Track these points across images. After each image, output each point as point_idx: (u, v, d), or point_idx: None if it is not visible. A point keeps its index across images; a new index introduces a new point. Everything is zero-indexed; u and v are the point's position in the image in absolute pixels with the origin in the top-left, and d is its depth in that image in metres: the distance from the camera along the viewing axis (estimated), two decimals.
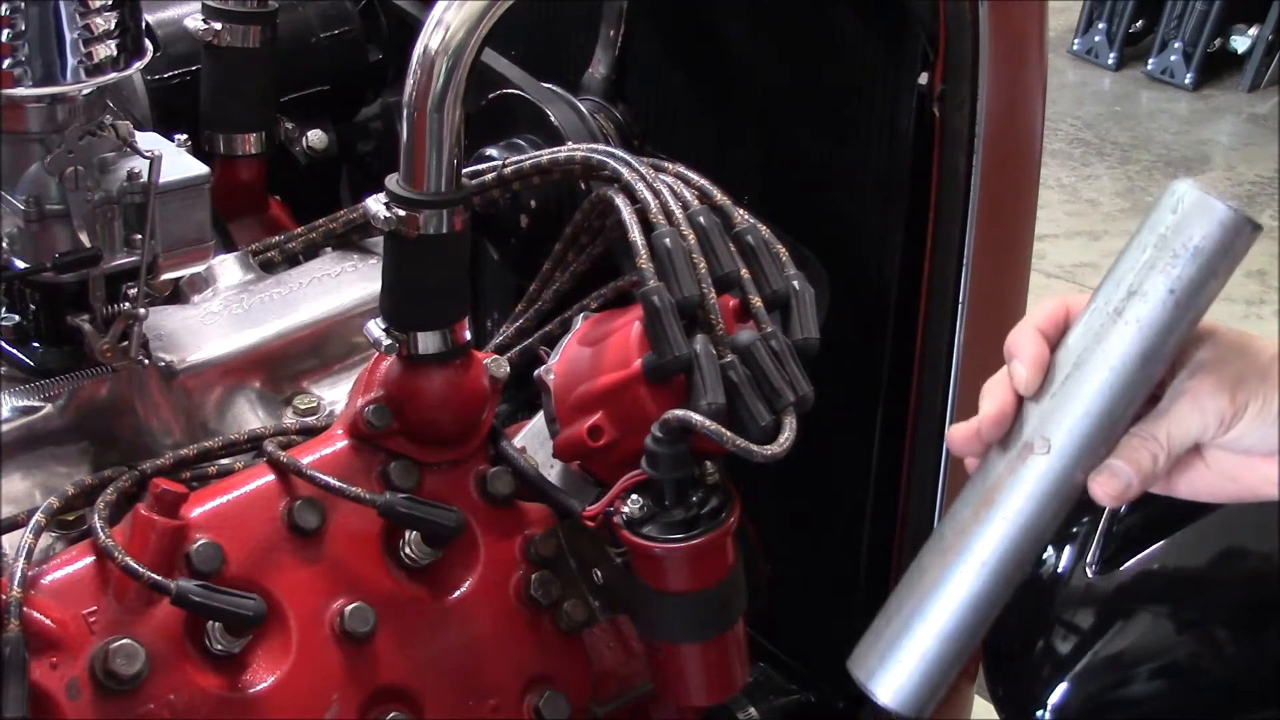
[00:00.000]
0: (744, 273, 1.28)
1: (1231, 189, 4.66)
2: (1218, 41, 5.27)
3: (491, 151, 1.50)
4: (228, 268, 1.48)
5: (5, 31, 1.20)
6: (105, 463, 1.31)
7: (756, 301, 1.27)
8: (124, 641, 1.14)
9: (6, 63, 1.21)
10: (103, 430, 1.35)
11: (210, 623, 1.17)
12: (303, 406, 1.38)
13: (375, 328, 1.25)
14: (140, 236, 1.28)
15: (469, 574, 1.28)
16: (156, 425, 1.36)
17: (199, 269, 1.41)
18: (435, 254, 1.22)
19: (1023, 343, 1.04)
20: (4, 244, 1.28)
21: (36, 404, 1.32)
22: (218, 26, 1.55)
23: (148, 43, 1.32)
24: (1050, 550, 1.33)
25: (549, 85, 1.55)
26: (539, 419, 1.36)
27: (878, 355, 1.55)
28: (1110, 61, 5.42)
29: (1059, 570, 1.32)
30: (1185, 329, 1.01)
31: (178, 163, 1.32)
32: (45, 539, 1.19)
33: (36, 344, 1.33)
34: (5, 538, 1.19)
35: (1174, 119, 5.14)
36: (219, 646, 1.18)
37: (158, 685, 1.15)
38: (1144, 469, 1.02)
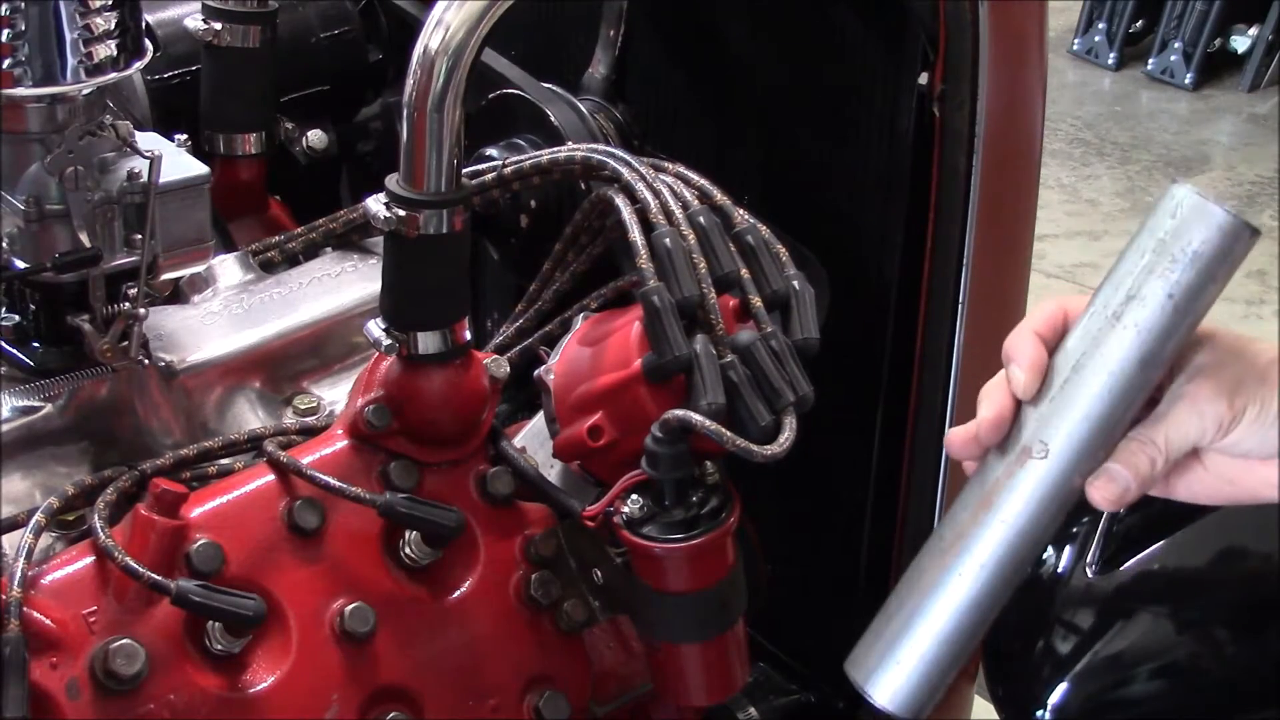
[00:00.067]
0: (744, 273, 1.28)
1: (1231, 189, 4.66)
2: (1218, 41, 5.27)
3: (491, 151, 1.50)
4: (228, 268, 1.48)
5: (5, 31, 1.20)
6: (105, 463, 1.31)
7: (756, 301, 1.27)
8: (124, 641, 1.14)
9: (6, 63, 1.21)
10: (103, 430, 1.35)
11: (210, 623, 1.17)
12: (303, 406, 1.38)
13: (375, 328, 1.25)
14: (140, 236, 1.28)
15: (469, 574, 1.28)
16: (156, 425, 1.36)
17: (199, 269, 1.41)
18: (435, 254, 1.22)
19: (1020, 346, 1.04)
20: (4, 244, 1.28)
21: (36, 404, 1.32)
22: (218, 26, 1.55)
23: (148, 43, 1.32)
24: (1050, 550, 1.33)
25: (549, 85, 1.55)
26: (539, 419, 1.36)
27: (878, 355, 1.55)
28: (1110, 61, 5.42)
29: (1059, 570, 1.32)
30: (1184, 334, 1.01)
31: (178, 163, 1.32)
32: (45, 539, 1.19)
33: (36, 344, 1.33)
34: (5, 538, 1.19)
35: (1174, 119, 5.14)
36: (219, 646, 1.18)
37: (158, 685, 1.15)
38: (1142, 473, 1.02)
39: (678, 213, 1.29)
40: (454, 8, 1.17)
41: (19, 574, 1.11)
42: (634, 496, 1.22)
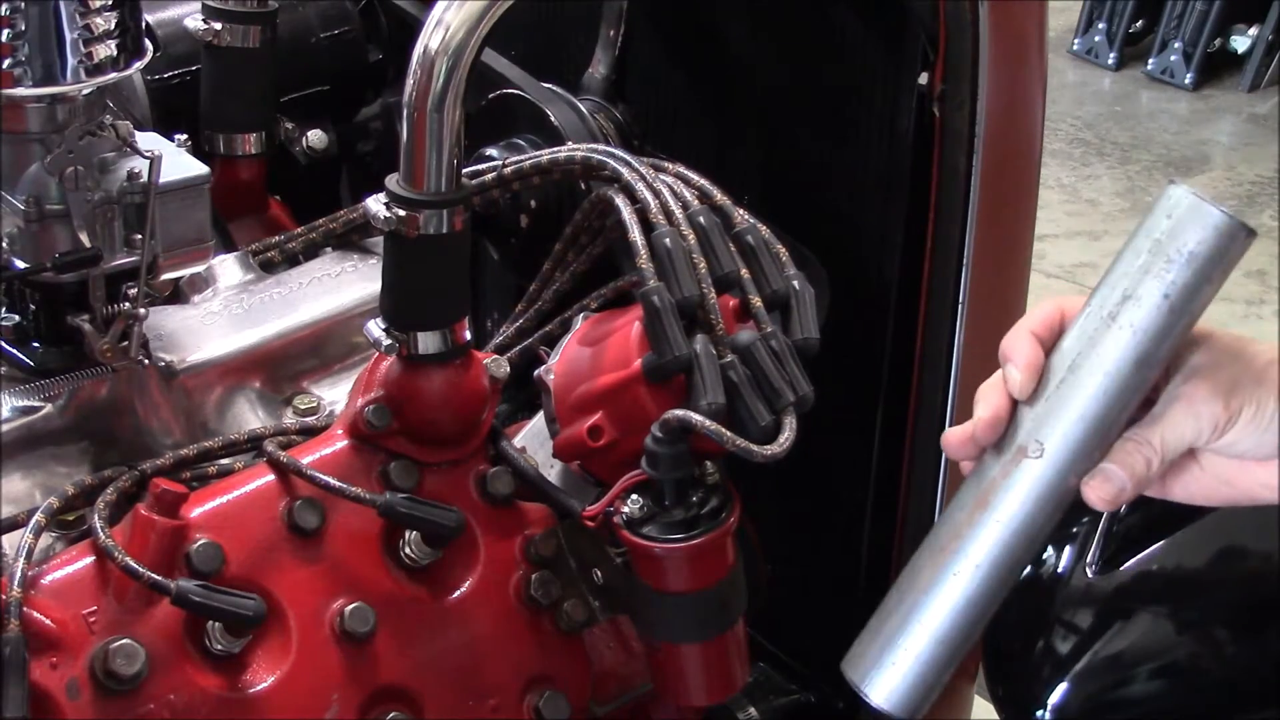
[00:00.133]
0: (744, 273, 1.28)
1: (1231, 189, 4.66)
2: (1218, 41, 5.27)
3: (491, 151, 1.50)
4: (228, 268, 1.48)
5: (5, 31, 1.20)
6: (105, 463, 1.31)
7: (756, 301, 1.27)
8: (124, 641, 1.14)
9: (6, 63, 1.21)
10: (103, 430, 1.35)
11: (210, 623, 1.17)
12: (303, 406, 1.38)
13: (375, 328, 1.25)
14: (140, 236, 1.28)
15: (469, 574, 1.28)
16: (156, 425, 1.36)
17: (199, 269, 1.41)
18: (435, 254, 1.22)
19: (1017, 346, 1.04)
20: (4, 244, 1.28)
21: (36, 404, 1.32)
22: (218, 26, 1.55)
23: (148, 43, 1.32)
24: (1050, 550, 1.33)
25: (549, 85, 1.55)
26: (539, 419, 1.36)
27: (878, 355, 1.55)
28: (1110, 61, 5.42)
29: (1059, 570, 1.32)
30: (1179, 334, 1.01)
31: (178, 163, 1.32)
32: (45, 539, 1.19)
33: (36, 344, 1.33)
34: (5, 538, 1.19)
35: (1174, 119, 5.14)
36: (219, 646, 1.18)
37: (158, 685, 1.15)
38: (1137, 473, 1.02)
39: (678, 213, 1.29)
40: (454, 8, 1.17)
41: (19, 574, 1.11)
42: (634, 496, 1.22)
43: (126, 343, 1.30)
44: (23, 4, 1.20)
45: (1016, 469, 1.03)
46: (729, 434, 1.19)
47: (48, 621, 1.13)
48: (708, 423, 1.18)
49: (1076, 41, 5.49)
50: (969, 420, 1.06)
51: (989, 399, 1.04)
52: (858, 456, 1.60)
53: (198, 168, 1.33)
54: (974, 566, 1.04)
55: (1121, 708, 1.27)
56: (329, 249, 1.53)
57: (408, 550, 1.25)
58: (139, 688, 1.14)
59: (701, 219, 1.29)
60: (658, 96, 1.67)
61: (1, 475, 1.25)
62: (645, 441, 1.21)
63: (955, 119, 1.42)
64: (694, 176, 1.35)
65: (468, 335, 1.27)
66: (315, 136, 1.68)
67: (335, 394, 1.40)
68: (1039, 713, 1.27)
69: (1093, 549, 1.32)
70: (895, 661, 1.06)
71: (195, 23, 1.56)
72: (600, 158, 1.36)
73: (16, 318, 1.34)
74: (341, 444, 1.27)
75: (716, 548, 1.24)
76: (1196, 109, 5.22)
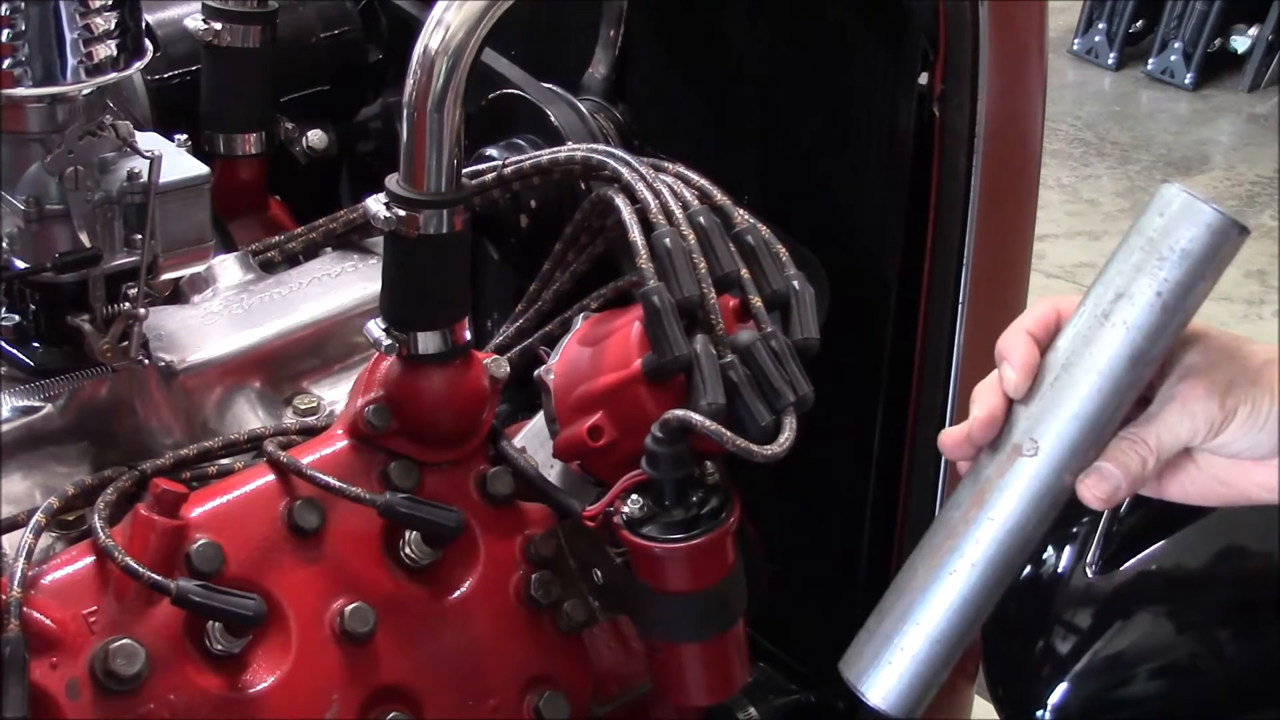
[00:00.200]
0: (744, 273, 1.28)
1: (1231, 189, 4.66)
2: (1218, 41, 5.27)
3: (491, 151, 1.50)
4: (228, 268, 1.48)
5: (5, 31, 1.20)
6: (105, 463, 1.31)
7: (756, 301, 1.27)
8: (124, 641, 1.14)
9: (6, 63, 1.21)
10: (103, 430, 1.35)
11: (210, 623, 1.17)
12: (303, 406, 1.38)
13: (375, 328, 1.25)
14: (140, 236, 1.28)
15: (469, 574, 1.28)
16: (156, 425, 1.36)
17: (199, 269, 1.41)
18: (435, 254, 1.22)
19: (1012, 346, 1.04)
20: (4, 244, 1.28)
21: (36, 404, 1.32)
22: (218, 26, 1.55)
23: (148, 43, 1.32)
24: (1050, 550, 1.33)
25: (549, 85, 1.55)
26: (539, 419, 1.36)
27: (878, 355, 1.55)
28: (1110, 61, 5.42)
29: (1059, 570, 1.32)
30: (1173, 332, 1.01)
31: (178, 163, 1.32)
32: (45, 539, 1.19)
33: (36, 344, 1.33)
34: (5, 538, 1.19)
35: (1174, 119, 5.14)
36: (219, 646, 1.18)
37: (158, 685, 1.15)
38: (1132, 472, 1.02)
39: (678, 213, 1.29)
40: (454, 8, 1.17)
41: (19, 574, 1.11)
42: (634, 496, 1.22)
43: (126, 343, 1.30)
44: (23, 4, 1.20)
45: (1012, 468, 1.03)
46: (729, 434, 1.19)
47: (48, 621, 1.13)
48: (708, 423, 1.18)
49: (1076, 41, 5.49)
50: (966, 420, 1.06)
51: (984, 399, 1.05)
52: (858, 456, 1.60)
53: (198, 168, 1.33)
54: (970, 565, 1.04)
55: (1121, 708, 1.27)
56: (329, 249, 1.53)
57: (408, 550, 1.25)
58: (139, 688, 1.14)
59: (701, 219, 1.29)
60: (658, 96, 1.67)
61: (1, 475, 1.25)
62: (645, 441, 1.21)
63: (955, 119, 1.42)
64: (694, 176, 1.35)
65: (468, 335, 1.27)
66: (315, 136, 1.68)
67: (335, 394, 1.40)
68: (1039, 713, 1.27)
69: (1093, 549, 1.32)
70: (892, 661, 1.06)
71: (195, 23, 1.56)
72: (600, 158, 1.36)
73: (16, 318, 1.33)
74: (341, 444, 1.27)
75: (716, 548, 1.24)
76: (1196, 109, 5.22)
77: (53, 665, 1.12)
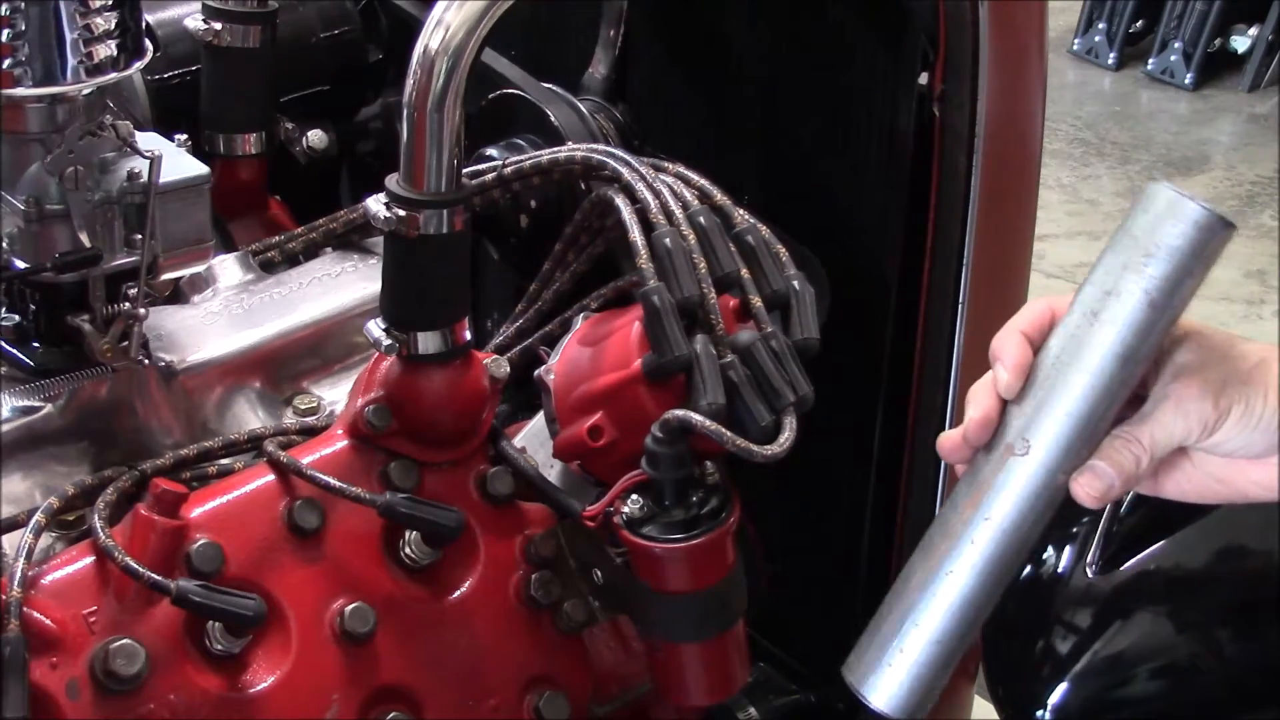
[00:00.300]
0: (744, 273, 1.28)
1: (1231, 189, 4.66)
2: (1218, 41, 5.27)
3: (491, 151, 1.50)
4: (228, 268, 1.48)
5: (5, 31, 1.20)
6: (105, 463, 1.31)
7: (756, 301, 1.27)
8: (124, 641, 1.14)
9: (6, 63, 1.21)
10: (103, 430, 1.35)
11: (210, 623, 1.17)
12: (303, 406, 1.38)
13: (375, 328, 1.25)
14: (140, 236, 1.28)
15: (469, 574, 1.28)
16: (156, 425, 1.36)
17: (199, 269, 1.41)
18: (435, 254, 1.22)
19: (1006, 346, 1.04)
20: (4, 244, 1.28)
21: (36, 404, 1.32)
22: (218, 26, 1.55)
23: (148, 43, 1.32)
24: (1050, 550, 1.33)
25: (549, 85, 1.55)
26: (539, 419, 1.36)
27: (878, 355, 1.55)
28: (1110, 61, 5.41)
29: (1059, 570, 1.33)
30: (1162, 329, 1.01)
31: (178, 163, 1.32)
32: (45, 539, 1.19)
33: (36, 344, 1.33)
34: (5, 538, 1.19)
35: (1174, 119, 5.14)
36: (219, 646, 1.18)
37: (158, 685, 1.15)
38: (1126, 470, 1.02)
39: (678, 213, 1.29)
40: (454, 8, 1.17)
41: (19, 574, 1.11)
42: (634, 496, 1.22)
43: (126, 343, 1.30)
44: (23, 4, 1.20)
45: (1006, 468, 1.04)
46: (729, 434, 1.19)
47: (48, 621, 1.13)
48: (708, 423, 1.18)
49: (1076, 41, 5.49)
50: (963, 423, 1.06)
51: (979, 400, 1.05)
52: (858, 456, 1.60)
53: (198, 168, 1.33)
54: (967, 566, 1.05)
55: (1121, 708, 1.27)
56: (329, 249, 1.53)
57: (408, 550, 1.25)
58: (139, 688, 1.14)
59: (702, 219, 1.29)
60: (658, 96, 1.67)
61: (1, 475, 1.25)
62: (645, 441, 1.21)
63: (955, 119, 1.42)
64: (694, 176, 1.35)
65: (468, 335, 1.27)
66: (315, 136, 1.68)
67: (335, 394, 1.40)
68: (1039, 713, 1.27)
69: (1093, 549, 1.32)
70: (893, 664, 1.06)
71: (195, 23, 1.56)
72: (600, 158, 1.36)
73: (16, 318, 1.33)
74: (341, 444, 1.27)
75: (716, 548, 1.24)
76: (1196, 109, 5.22)
77: (53, 665, 1.12)
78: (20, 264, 1.28)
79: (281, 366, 1.40)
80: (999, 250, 1.51)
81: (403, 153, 1.20)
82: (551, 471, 1.34)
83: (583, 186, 1.42)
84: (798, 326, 1.28)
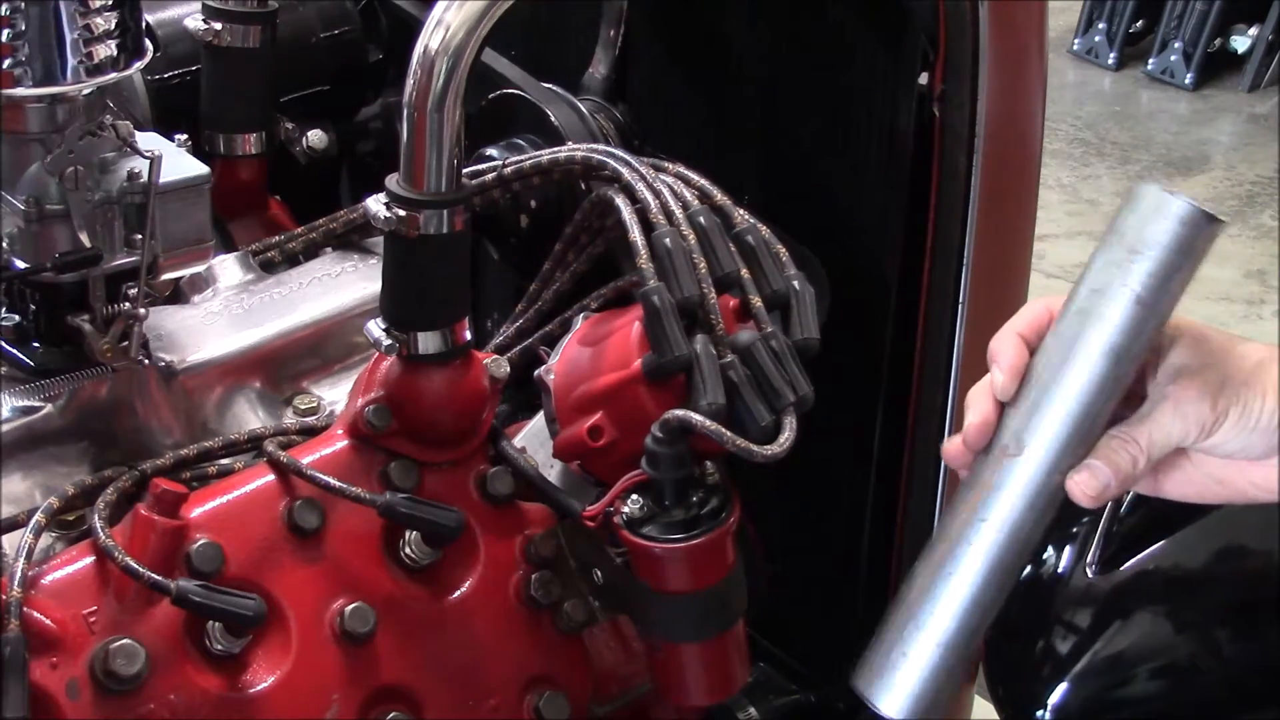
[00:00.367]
0: (744, 273, 1.28)
1: (1231, 189, 4.66)
2: (1218, 41, 5.27)
3: (491, 151, 1.50)
4: (228, 268, 1.48)
5: (5, 31, 1.20)
6: (105, 463, 1.31)
7: (756, 301, 1.27)
8: (124, 641, 1.14)
9: (6, 63, 1.21)
10: (103, 430, 1.35)
11: (210, 623, 1.17)
12: (303, 406, 1.38)
13: (375, 328, 1.25)
14: (140, 236, 1.28)
15: (469, 574, 1.28)
16: (156, 425, 1.36)
17: (199, 269, 1.41)
18: (435, 254, 1.22)
19: (1002, 348, 1.05)
20: (4, 244, 1.28)
21: (36, 404, 1.32)
22: (218, 26, 1.55)
23: (148, 43, 1.32)
24: (1050, 550, 1.33)
25: (549, 85, 1.55)
26: (539, 419, 1.36)
27: (878, 355, 1.55)
28: (1110, 61, 5.42)
29: (1059, 570, 1.33)
30: (1153, 326, 1.01)
31: (178, 163, 1.32)
32: (45, 539, 1.19)
33: (36, 344, 1.33)
34: (5, 538, 1.19)
35: (1174, 119, 5.14)
36: (219, 646, 1.18)
37: (158, 685, 1.15)
38: (1123, 470, 1.02)
39: (678, 213, 1.29)
40: (454, 8, 1.17)
41: (19, 574, 1.11)
42: (634, 496, 1.22)
43: (126, 343, 1.30)
44: (23, 4, 1.20)
45: (1003, 470, 1.04)
46: (729, 434, 1.19)
47: (48, 621, 1.13)
48: (708, 423, 1.18)
49: (1076, 41, 5.49)
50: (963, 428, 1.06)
51: (977, 404, 1.05)
52: (858, 456, 1.60)
53: (198, 168, 1.33)
54: (969, 569, 1.05)
55: (1121, 708, 1.27)
56: (329, 249, 1.53)
57: (408, 550, 1.25)
58: (139, 688, 1.14)
59: (702, 219, 1.29)
60: (658, 96, 1.67)
61: (1, 475, 1.25)
62: (645, 441, 1.21)
63: (955, 119, 1.42)
64: (694, 176, 1.35)
65: (468, 335, 1.27)
66: (315, 136, 1.68)
67: (335, 394, 1.40)
68: (1039, 713, 1.27)
69: (1093, 549, 1.32)
70: (900, 670, 1.06)
71: (195, 23, 1.56)
72: (600, 158, 1.36)
73: (16, 318, 1.33)
74: (341, 444, 1.27)
75: (716, 548, 1.24)
76: (1196, 109, 5.22)
77: (53, 665, 1.12)
78: (20, 264, 1.28)
79: (281, 366, 1.40)
80: (999, 250, 1.51)
81: (403, 153, 1.20)
82: (551, 471, 1.34)
83: (583, 186, 1.42)
84: (798, 326, 1.28)
